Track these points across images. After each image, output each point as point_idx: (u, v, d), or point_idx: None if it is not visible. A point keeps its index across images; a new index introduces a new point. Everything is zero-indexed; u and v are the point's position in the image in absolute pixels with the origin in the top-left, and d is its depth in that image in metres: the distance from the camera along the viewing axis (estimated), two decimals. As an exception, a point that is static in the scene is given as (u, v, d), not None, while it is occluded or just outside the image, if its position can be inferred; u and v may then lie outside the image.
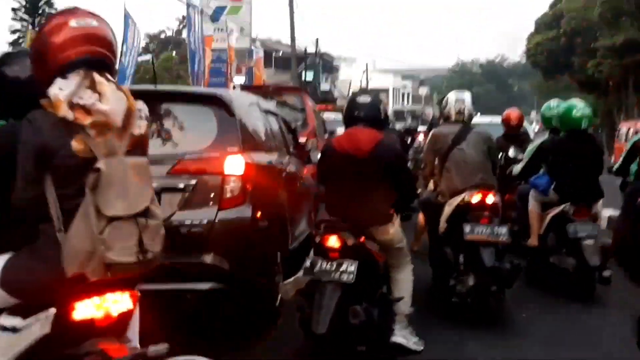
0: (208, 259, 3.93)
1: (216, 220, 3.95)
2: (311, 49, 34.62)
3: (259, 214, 4.22)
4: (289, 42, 26.60)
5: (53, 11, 36.20)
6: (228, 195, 4.02)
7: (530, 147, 6.18)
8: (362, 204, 3.74)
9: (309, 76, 34.02)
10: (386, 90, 62.31)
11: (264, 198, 4.39)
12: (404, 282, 3.99)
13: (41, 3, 37.51)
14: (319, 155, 5.69)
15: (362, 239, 3.70)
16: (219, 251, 3.95)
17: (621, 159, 5.78)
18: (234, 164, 4.08)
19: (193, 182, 3.98)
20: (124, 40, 14.10)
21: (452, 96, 5.10)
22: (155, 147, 4.09)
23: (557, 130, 5.83)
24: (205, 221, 3.93)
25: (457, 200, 4.67)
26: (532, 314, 4.98)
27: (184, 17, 17.51)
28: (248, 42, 25.18)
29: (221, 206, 3.99)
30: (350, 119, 3.96)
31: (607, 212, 6.63)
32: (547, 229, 5.46)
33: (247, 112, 4.65)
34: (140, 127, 2.10)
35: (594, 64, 30.46)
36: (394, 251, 3.88)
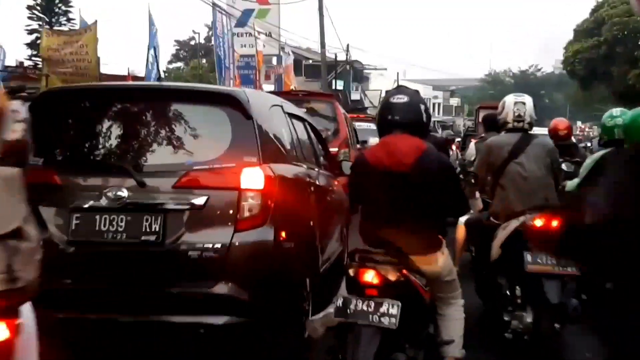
0: (222, 288, 3.43)
1: (232, 244, 3.44)
2: (341, 57, 34.15)
3: (283, 235, 3.67)
4: (318, 49, 26.03)
5: (70, 9, 35.55)
6: (246, 214, 3.49)
7: (589, 160, 5.46)
8: (404, 229, 3.15)
9: (340, 85, 33.52)
10: (417, 101, 61.70)
11: (289, 216, 3.83)
12: (454, 322, 3.39)
13: (57, 1, 35.47)
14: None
15: (405, 271, 3.08)
16: (236, 280, 3.45)
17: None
18: (253, 177, 3.53)
19: (204, 198, 3.47)
20: (150, 45, 13.71)
21: (509, 99, 4.49)
22: (158, 156, 3.66)
23: (619, 142, 5.01)
24: (219, 245, 3.43)
25: (514, 223, 4.13)
26: (596, 353, 4.55)
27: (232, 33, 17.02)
28: (276, 47, 24.56)
29: (238, 227, 3.47)
30: (384, 125, 3.28)
31: None
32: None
33: (267, 115, 4.03)
34: (15, 130, 1.92)
35: (635, 73, 29.33)
36: (442, 285, 3.32)
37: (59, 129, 3.83)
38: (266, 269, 3.53)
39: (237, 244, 3.44)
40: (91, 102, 3.92)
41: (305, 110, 10.58)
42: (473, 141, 8.39)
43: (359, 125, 14.10)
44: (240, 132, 3.63)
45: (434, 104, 64.01)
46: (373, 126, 14.74)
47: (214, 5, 15.61)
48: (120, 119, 3.81)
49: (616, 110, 5.23)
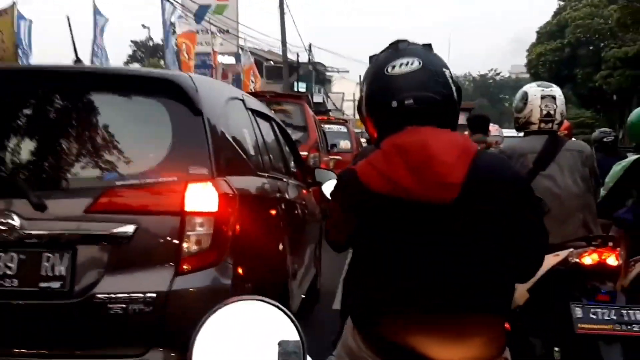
0: (157, 356, 2.50)
1: (172, 293, 2.51)
2: (304, 58, 33.52)
3: (245, 277, 2.73)
4: (280, 51, 25.23)
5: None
6: (193, 248, 2.56)
7: (617, 168, 4.70)
8: (451, 323, 1.68)
9: (302, 87, 32.84)
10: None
11: (254, 250, 2.91)
12: None
13: None
14: (328, 180, 4.42)
15: None
16: (176, 344, 2.47)
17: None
18: (202, 196, 2.58)
19: (131, 227, 2.50)
20: (95, 38, 12.78)
21: (534, 92, 3.54)
22: (67, 167, 2.59)
23: None
24: (152, 294, 2.49)
25: (552, 260, 3.17)
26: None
27: (172, 23, 15.90)
28: (235, 45, 23.63)
29: (181, 268, 2.54)
30: (384, 118, 1.78)
31: None
32: (636, 283, 3.96)
33: (223, 110, 3.03)
34: None
35: (602, 75, 29.68)
36: None
37: None
38: None
39: (179, 292, 2.51)
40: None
41: (274, 112, 9.98)
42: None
43: (328, 128, 13.70)
44: (185, 132, 2.66)
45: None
46: (343, 128, 14.26)
47: None
48: (10, 115, 2.74)
49: None
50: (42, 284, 2.46)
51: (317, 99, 39.68)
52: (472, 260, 1.66)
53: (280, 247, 3.42)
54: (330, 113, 34.25)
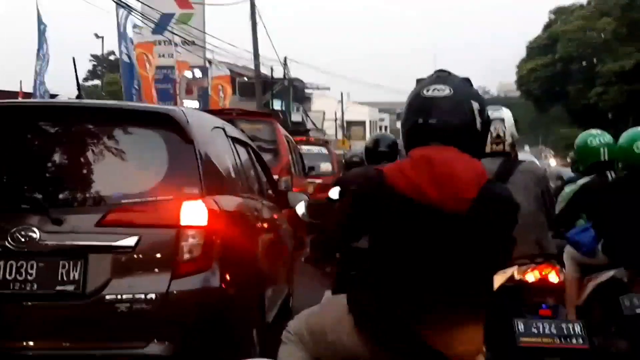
0: (157, 348, 3.23)
1: (169, 293, 3.26)
2: (279, 73, 34.02)
3: (229, 281, 3.51)
4: (253, 65, 25.68)
5: None
6: (186, 256, 3.32)
7: (569, 189, 5.27)
8: (456, 314, 2.23)
9: (277, 104, 33.27)
10: (363, 123, 63.08)
11: (237, 258, 3.69)
12: None
13: None
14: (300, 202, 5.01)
15: None
16: (174, 337, 3.27)
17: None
18: (194, 212, 3.36)
19: (134, 238, 3.27)
20: (39, 49, 12.99)
21: None
22: (79, 187, 3.48)
23: (601, 168, 4.92)
24: (152, 295, 3.24)
25: (500, 278, 3.58)
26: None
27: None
28: (201, 58, 23.79)
29: (176, 272, 3.29)
30: (413, 131, 2.35)
31: None
32: (590, 301, 4.57)
33: (210, 138, 3.90)
34: None
35: (597, 91, 30.50)
36: None
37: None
38: (211, 323, 3.36)
39: (175, 292, 3.26)
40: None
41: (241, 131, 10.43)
42: None
43: (307, 149, 13.98)
44: (179, 158, 3.47)
45: (380, 127, 65.44)
46: (323, 150, 14.69)
47: (117, 2, 14.70)
48: (32, 144, 3.62)
49: (595, 130, 5.18)
50: (59, 287, 3.21)
51: (296, 117, 39.82)
52: (473, 263, 2.21)
53: (258, 259, 4.23)
54: (310, 133, 34.71)
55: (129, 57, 16.55)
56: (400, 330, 2.18)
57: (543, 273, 3.62)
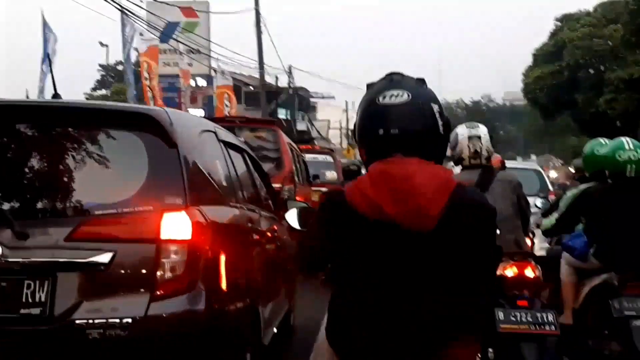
0: None
1: (148, 317, 2.90)
2: (283, 82, 33.86)
3: (217, 302, 3.15)
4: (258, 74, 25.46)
5: None
6: (168, 274, 2.95)
7: (569, 194, 5.64)
8: (428, 319, 2.03)
9: (282, 113, 33.05)
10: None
11: (226, 276, 3.29)
12: None
13: None
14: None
15: None
16: None
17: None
18: (177, 225, 2.99)
19: (109, 254, 2.91)
20: (45, 57, 12.84)
21: (462, 133, 4.45)
22: (48, 197, 3.07)
23: (602, 177, 5.06)
24: (129, 319, 2.88)
25: None
26: None
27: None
28: (206, 67, 23.65)
29: (156, 293, 2.94)
30: (373, 145, 2.13)
31: None
32: (585, 304, 4.90)
33: (197, 142, 3.49)
34: None
35: (606, 99, 30.10)
36: None
37: None
38: (196, 350, 2.98)
39: (155, 316, 2.90)
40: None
41: (244, 139, 10.18)
42: None
43: (312, 157, 13.74)
44: (161, 164, 3.09)
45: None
46: (329, 158, 14.47)
47: (122, 10, 14.57)
48: None
49: (603, 140, 5.41)
50: (23, 311, 2.84)
51: (301, 126, 39.85)
52: (445, 286, 2.01)
53: (252, 276, 3.84)
54: (315, 142, 34.51)
55: (132, 65, 16.44)
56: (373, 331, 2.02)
57: (520, 269, 4.07)
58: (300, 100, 41.36)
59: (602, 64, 33.11)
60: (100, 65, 56.98)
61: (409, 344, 1.98)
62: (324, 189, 12.09)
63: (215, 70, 23.33)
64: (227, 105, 21.23)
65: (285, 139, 10.56)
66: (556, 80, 36.98)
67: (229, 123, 10.55)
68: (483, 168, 4.34)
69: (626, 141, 4.71)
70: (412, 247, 2.00)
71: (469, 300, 2.06)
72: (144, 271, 2.91)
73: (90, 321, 2.83)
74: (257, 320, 3.89)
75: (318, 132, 42.50)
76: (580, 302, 4.91)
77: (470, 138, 4.38)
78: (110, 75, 54.27)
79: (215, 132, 3.96)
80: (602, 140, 5.33)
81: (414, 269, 2.01)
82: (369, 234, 2.03)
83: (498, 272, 3.90)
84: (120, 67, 48.98)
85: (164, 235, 2.93)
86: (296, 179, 10.30)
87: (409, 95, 2.06)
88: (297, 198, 9.56)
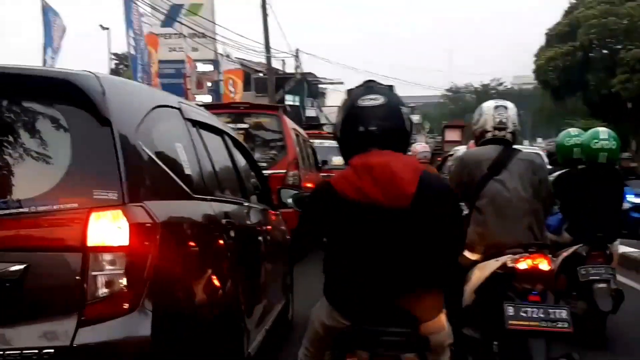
0: None
1: (74, 348, 2.20)
2: (290, 67, 33.24)
3: (170, 321, 2.44)
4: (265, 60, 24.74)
5: None
6: (100, 292, 2.26)
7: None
8: (416, 287, 2.64)
9: (290, 99, 32.41)
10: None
11: (185, 288, 2.64)
12: None
13: None
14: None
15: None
16: None
17: None
18: (109, 228, 2.27)
19: (19, 266, 2.21)
20: (47, 43, 12.28)
21: (488, 104, 4.24)
22: None
23: (578, 163, 5.78)
24: (49, 350, 2.19)
25: (493, 265, 3.84)
26: None
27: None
28: (212, 51, 22.91)
29: (85, 316, 2.24)
30: (354, 140, 2.67)
31: (621, 249, 6.73)
32: (559, 271, 5.31)
33: (144, 120, 2.70)
34: None
35: (620, 79, 29.20)
36: (442, 353, 2.80)
37: None
38: None
39: (84, 346, 2.20)
40: None
41: (247, 125, 9.63)
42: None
43: (319, 143, 13.50)
44: (89, 147, 2.37)
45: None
46: (336, 143, 14.00)
47: None
48: None
49: (573, 130, 6.20)
50: None
51: (310, 113, 39.51)
52: (423, 248, 2.55)
53: (229, 281, 3.12)
54: (325, 128, 34.06)
55: (135, 50, 15.91)
56: (371, 300, 2.56)
57: (535, 262, 3.78)
58: (310, 87, 40.84)
59: (618, 43, 32.12)
60: (113, 54, 56.43)
61: (386, 289, 2.54)
62: (333, 174, 11.71)
63: (221, 54, 22.60)
64: (231, 91, 20.51)
65: (290, 124, 10.23)
66: (568, 61, 36.04)
67: (232, 109, 10.19)
68: (506, 144, 4.04)
69: (601, 132, 5.50)
70: (392, 222, 2.53)
71: (433, 260, 2.59)
72: (68, 288, 2.21)
73: (1, 352, 2.14)
74: (239, 330, 3.25)
75: (327, 118, 41.97)
76: (555, 270, 4.78)
77: (496, 108, 4.12)
78: (125, 64, 53.56)
79: (179, 109, 3.19)
80: (571, 131, 6.10)
81: (393, 239, 2.54)
82: (356, 214, 2.54)
83: (510, 265, 3.79)
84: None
85: (91, 242, 2.22)
86: (301, 164, 9.94)
87: (385, 99, 2.61)
88: (306, 184, 9.11)
